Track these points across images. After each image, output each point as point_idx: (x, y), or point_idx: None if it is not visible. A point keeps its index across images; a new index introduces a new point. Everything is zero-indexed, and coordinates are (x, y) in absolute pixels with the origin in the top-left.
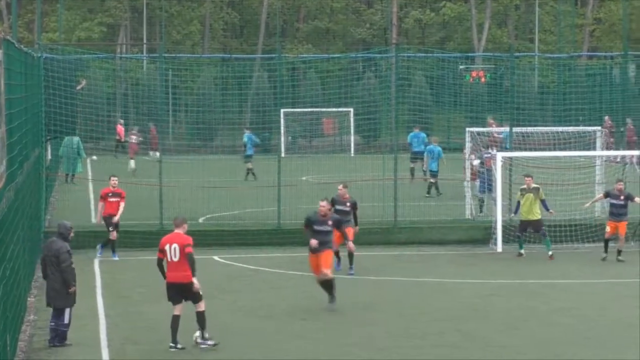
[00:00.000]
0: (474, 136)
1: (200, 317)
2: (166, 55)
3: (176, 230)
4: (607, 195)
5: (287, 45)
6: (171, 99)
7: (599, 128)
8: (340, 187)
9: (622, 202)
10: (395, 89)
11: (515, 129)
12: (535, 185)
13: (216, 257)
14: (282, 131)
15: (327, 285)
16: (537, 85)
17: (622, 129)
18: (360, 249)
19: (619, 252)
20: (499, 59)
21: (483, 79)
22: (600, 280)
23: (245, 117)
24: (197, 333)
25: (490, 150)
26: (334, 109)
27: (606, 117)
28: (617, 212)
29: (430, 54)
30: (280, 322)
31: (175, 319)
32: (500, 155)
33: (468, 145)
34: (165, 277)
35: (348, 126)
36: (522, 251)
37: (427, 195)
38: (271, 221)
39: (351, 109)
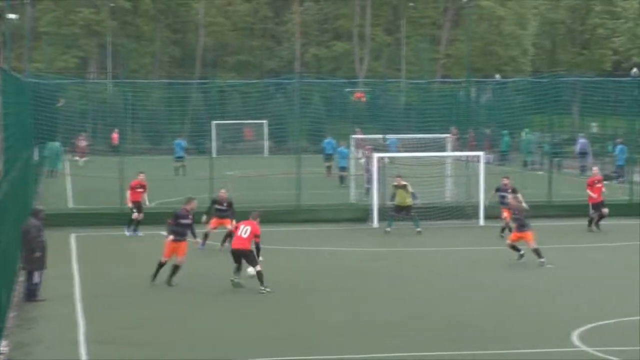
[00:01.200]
0: (358, 142)
1: (259, 275)
2: (126, 80)
3: (251, 220)
4: (497, 189)
5: (217, 73)
6: (130, 114)
7: (449, 135)
8: (222, 191)
9: (509, 194)
10: (299, 106)
11: (387, 136)
12: (404, 183)
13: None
14: (213, 137)
15: (176, 268)
16: (404, 103)
17: (465, 136)
18: (270, 225)
19: (504, 229)
20: (375, 83)
21: (363, 99)
22: (455, 248)
23: (186, 127)
24: (250, 269)
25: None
26: (252, 121)
27: (452, 128)
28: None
29: (324, 80)
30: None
31: (238, 267)
32: (375, 155)
33: (352, 149)
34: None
35: (263, 134)
36: (389, 229)
37: (342, 184)
38: (205, 205)
39: (265, 121)
